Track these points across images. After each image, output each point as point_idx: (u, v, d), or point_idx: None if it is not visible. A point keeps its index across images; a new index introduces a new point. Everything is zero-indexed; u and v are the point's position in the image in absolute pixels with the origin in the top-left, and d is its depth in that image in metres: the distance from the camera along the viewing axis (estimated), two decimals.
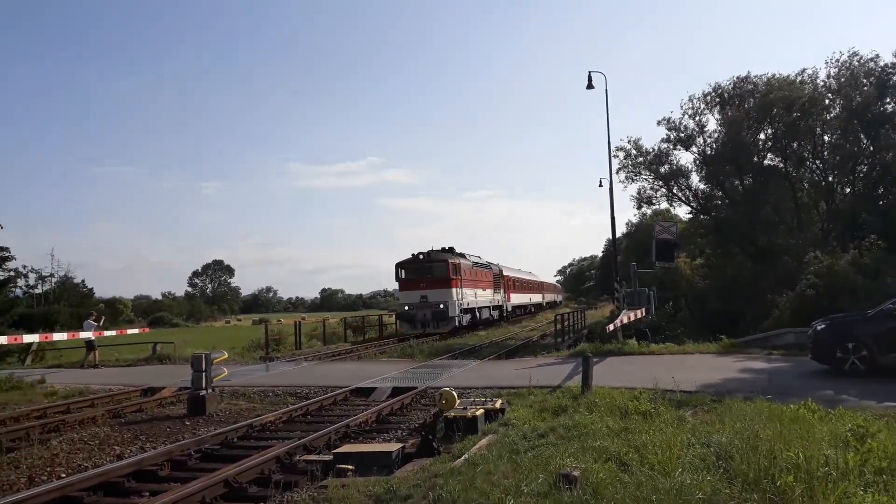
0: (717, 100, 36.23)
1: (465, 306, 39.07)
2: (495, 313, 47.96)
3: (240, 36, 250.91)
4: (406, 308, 37.02)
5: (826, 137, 33.93)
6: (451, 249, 40.43)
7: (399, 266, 38.32)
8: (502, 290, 50.85)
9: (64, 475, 8.65)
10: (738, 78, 35.95)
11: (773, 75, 35.06)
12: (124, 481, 8.17)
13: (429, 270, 37.44)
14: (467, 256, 42.39)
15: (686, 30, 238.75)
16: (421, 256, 37.95)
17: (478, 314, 42.37)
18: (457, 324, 37.22)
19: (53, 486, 7.63)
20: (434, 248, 39.34)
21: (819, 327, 15.10)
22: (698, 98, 36.60)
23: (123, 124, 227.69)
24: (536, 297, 70.32)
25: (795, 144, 34.62)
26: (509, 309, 53.14)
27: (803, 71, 34.69)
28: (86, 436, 10.94)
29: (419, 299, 36.66)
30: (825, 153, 34.27)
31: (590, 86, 28.77)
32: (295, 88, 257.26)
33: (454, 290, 37.11)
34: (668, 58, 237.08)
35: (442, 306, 35.94)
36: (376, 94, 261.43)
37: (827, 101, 33.12)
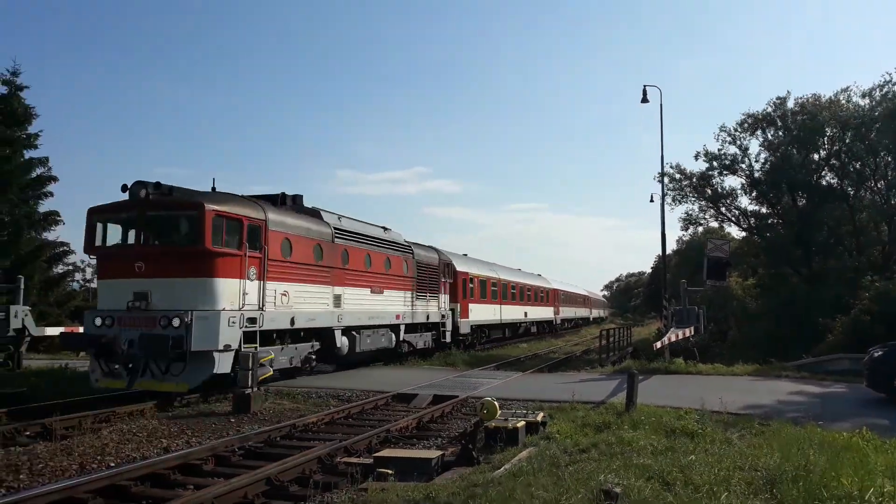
0: (758, 124, 35.43)
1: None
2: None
3: (294, 47, 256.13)
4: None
5: (889, 158, 32.83)
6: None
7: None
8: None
9: (113, 464, 8.90)
10: (777, 99, 35.24)
11: (818, 95, 34.16)
12: (170, 473, 8.35)
13: None
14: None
15: (749, 44, 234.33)
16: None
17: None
18: None
19: (103, 475, 7.87)
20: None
21: (876, 354, 14.58)
22: (734, 127, 35.97)
23: (176, 130, 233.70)
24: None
25: (858, 164, 33.58)
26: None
27: (847, 88, 33.67)
28: (135, 427, 11.21)
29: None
30: (889, 173, 33.16)
31: (644, 100, 28.45)
32: (347, 99, 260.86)
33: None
34: (726, 72, 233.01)
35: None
36: (425, 106, 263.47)
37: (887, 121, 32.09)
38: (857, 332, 21.00)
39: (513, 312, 38.64)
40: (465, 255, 34.34)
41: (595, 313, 79.22)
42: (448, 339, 26.92)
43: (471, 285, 30.89)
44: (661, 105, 28.75)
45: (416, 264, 24.23)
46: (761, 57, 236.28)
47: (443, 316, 26.59)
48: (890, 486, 6.21)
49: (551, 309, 49.64)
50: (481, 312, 32.53)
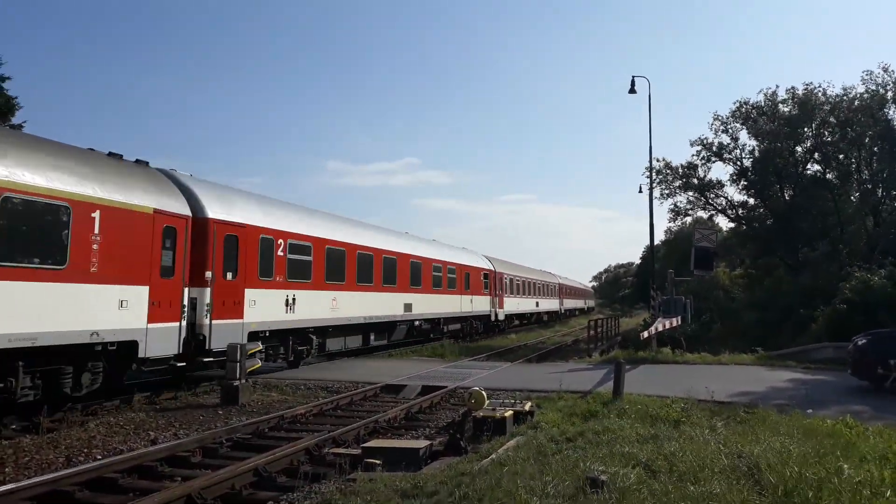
0: (749, 114, 35.67)
1: None
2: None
3: (283, 38, 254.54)
4: None
5: (875, 149, 33.14)
6: None
7: None
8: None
9: (100, 457, 8.87)
10: (768, 90, 35.64)
11: (810, 86, 34.40)
12: (158, 465, 8.34)
13: None
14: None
15: (737, 34, 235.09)
16: None
17: None
18: None
19: (90, 467, 7.84)
20: None
21: (860, 342, 14.75)
22: (727, 116, 36.29)
23: (163, 121, 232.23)
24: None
25: (842, 156, 33.90)
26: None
27: (831, 84, 34.24)
28: (122, 420, 11.19)
29: None
30: (874, 164, 33.46)
31: (632, 90, 28.53)
32: (337, 90, 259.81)
33: None
34: (713, 64, 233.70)
35: None
36: (416, 98, 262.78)
37: (867, 115, 32.42)
38: (841, 320, 21.23)
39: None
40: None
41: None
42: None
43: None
44: (649, 96, 28.88)
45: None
46: (758, 46, 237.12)
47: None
48: (869, 470, 6.30)
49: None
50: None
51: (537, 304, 48.84)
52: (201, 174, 17.79)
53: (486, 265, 37.03)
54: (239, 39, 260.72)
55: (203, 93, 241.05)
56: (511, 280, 41.99)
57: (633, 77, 28.18)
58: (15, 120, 29.85)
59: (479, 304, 34.78)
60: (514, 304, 42.08)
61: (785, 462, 6.60)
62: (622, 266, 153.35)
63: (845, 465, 6.42)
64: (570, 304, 64.45)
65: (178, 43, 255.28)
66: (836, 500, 5.50)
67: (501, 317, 38.42)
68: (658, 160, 36.82)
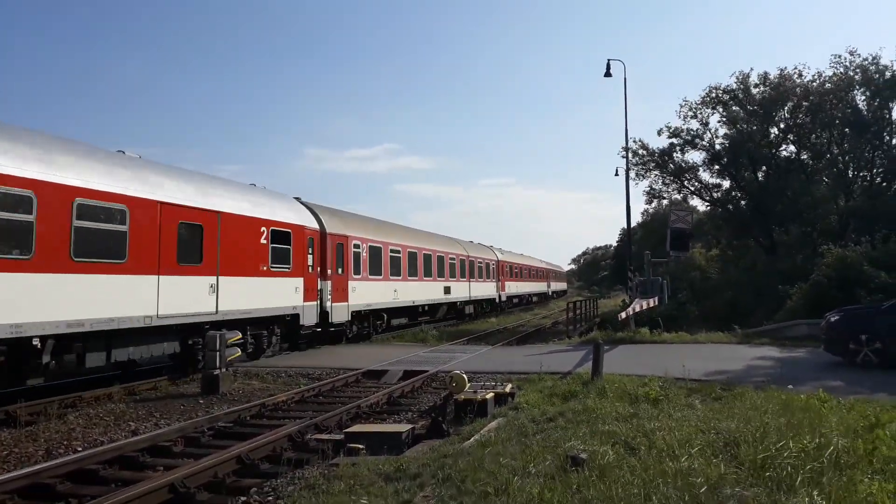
0: (720, 99, 35.84)
1: None
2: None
3: (257, 24, 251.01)
4: None
5: (846, 130, 33.61)
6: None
7: None
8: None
9: (80, 449, 8.81)
10: (741, 74, 35.66)
11: (783, 70, 34.70)
12: (139, 456, 8.32)
13: None
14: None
15: (715, 20, 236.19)
16: None
17: None
18: None
19: (70, 459, 7.80)
20: None
21: (833, 319, 15.03)
22: (697, 103, 36.28)
23: (143, 109, 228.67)
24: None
25: (813, 136, 34.34)
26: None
27: (805, 65, 34.64)
28: (102, 412, 11.11)
29: None
30: (844, 145, 33.96)
31: (608, 73, 28.72)
32: (315, 76, 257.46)
33: None
34: (693, 44, 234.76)
35: None
36: (394, 83, 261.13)
37: (837, 98, 32.85)
38: (816, 297, 21.55)
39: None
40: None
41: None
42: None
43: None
44: (624, 79, 29.26)
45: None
46: (734, 30, 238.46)
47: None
48: (842, 442, 6.46)
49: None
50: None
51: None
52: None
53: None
54: (213, 24, 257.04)
55: (178, 79, 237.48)
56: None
57: (609, 60, 28.34)
58: None
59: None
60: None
61: (762, 437, 6.74)
62: (600, 248, 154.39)
63: (829, 436, 6.58)
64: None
65: (151, 28, 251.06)
66: (812, 472, 5.63)
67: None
68: (634, 140, 36.95)
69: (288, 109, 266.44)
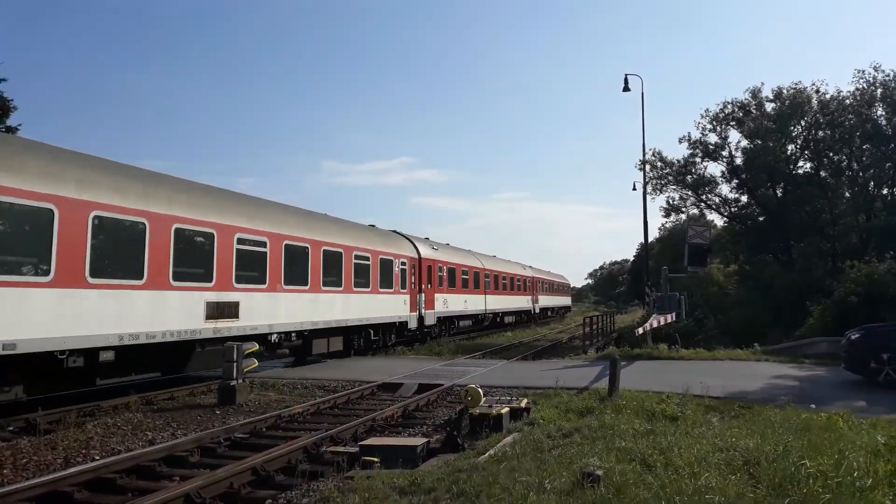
0: (734, 115, 35.67)
1: None
2: None
3: (278, 38, 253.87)
4: None
5: (865, 147, 33.29)
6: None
7: None
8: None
9: (98, 457, 8.87)
10: (755, 89, 35.47)
11: (798, 84, 34.46)
12: (156, 465, 8.36)
13: None
14: None
15: (736, 36, 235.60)
16: None
17: None
18: None
19: (88, 468, 7.86)
20: None
21: (853, 337, 14.84)
22: (714, 115, 36.13)
23: (159, 122, 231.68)
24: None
25: (831, 153, 34.03)
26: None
27: (824, 82, 34.28)
28: (119, 421, 11.18)
29: None
30: (865, 161, 33.62)
31: (626, 88, 28.68)
32: (333, 89, 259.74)
33: None
34: (711, 61, 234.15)
35: None
36: (410, 96, 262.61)
37: (857, 113, 32.51)
38: (843, 314, 21.05)
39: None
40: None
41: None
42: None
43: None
44: (642, 94, 28.95)
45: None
46: (752, 45, 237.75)
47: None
48: (863, 463, 6.36)
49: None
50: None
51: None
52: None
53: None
54: (232, 39, 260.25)
55: (195, 91, 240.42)
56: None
57: (627, 75, 28.32)
58: (10, 122, 29.67)
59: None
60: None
61: (782, 456, 6.65)
62: (617, 263, 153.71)
63: (850, 457, 6.49)
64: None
65: (169, 40, 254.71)
66: (832, 492, 5.55)
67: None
68: (653, 153, 36.89)
69: (305, 123, 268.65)
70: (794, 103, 33.49)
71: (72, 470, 7.79)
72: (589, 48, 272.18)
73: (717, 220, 44.86)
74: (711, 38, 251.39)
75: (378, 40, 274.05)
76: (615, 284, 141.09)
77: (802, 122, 33.89)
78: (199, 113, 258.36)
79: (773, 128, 33.94)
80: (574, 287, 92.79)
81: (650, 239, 39.21)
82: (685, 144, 36.91)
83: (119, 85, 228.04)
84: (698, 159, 36.86)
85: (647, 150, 32.41)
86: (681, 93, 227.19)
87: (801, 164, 35.71)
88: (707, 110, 36.97)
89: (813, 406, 10.68)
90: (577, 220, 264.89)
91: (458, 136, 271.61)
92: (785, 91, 34.29)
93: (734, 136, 36.36)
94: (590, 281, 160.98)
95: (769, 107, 34.87)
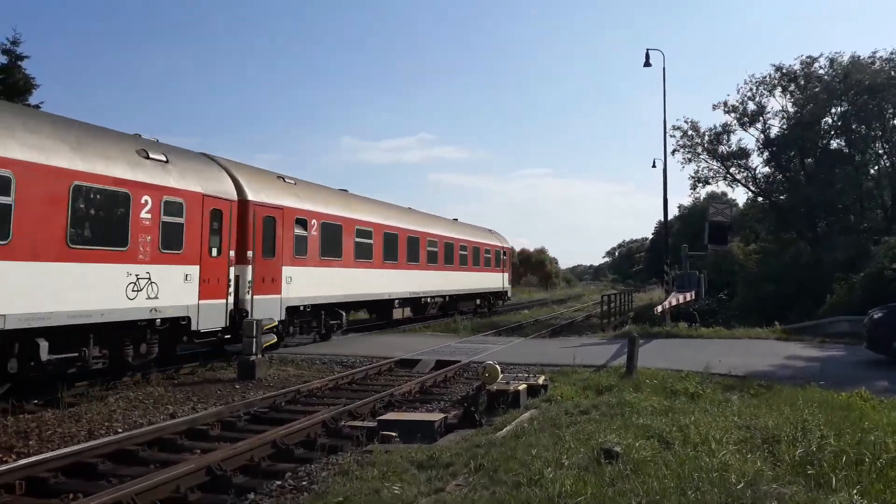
0: (783, 81, 35.05)
1: None
2: None
3: (296, 14, 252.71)
4: None
5: (894, 122, 32.62)
6: None
7: None
8: None
9: (121, 430, 9.01)
10: (807, 58, 34.76)
11: (854, 55, 33.72)
12: (177, 438, 8.48)
13: None
14: None
15: (748, 11, 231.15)
16: None
17: None
18: None
19: (111, 440, 7.99)
20: None
21: (876, 316, 14.64)
22: (758, 80, 35.58)
23: (179, 98, 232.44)
24: None
25: (863, 128, 33.34)
26: None
27: (874, 53, 33.41)
28: (141, 395, 11.34)
29: None
30: (894, 139, 32.98)
31: (647, 63, 28.26)
32: (352, 67, 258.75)
33: None
34: (731, 38, 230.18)
35: None
36: (429, 73, 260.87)
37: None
38: (875, 288, 20.45)
39: None
40: None
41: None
42: None
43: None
44: (663, 69, 28.51)
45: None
46: (772, 23, 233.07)
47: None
48: (883, 441, 6.30)
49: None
50: None
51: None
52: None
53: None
54: (253, 20, 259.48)
55: (217, 71, 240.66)
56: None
57: (648, 50, 27.92)
58: (32, 100, 29.86)
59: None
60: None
61: (802, 434, 6.61)
62: (635, 241, 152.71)
63: (872, 437, 6.42)
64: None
65: (192, 21, 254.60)
66: (852, 470, 5.50)
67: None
68: (685, 120, 36.51)
69: (327, 100, 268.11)
70: (846, 72, 32.78)
71: (95, 442, 7.93)
72: (613, 23, 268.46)
73: (740, 198, 44.38)
74: (735, 16, 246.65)
75: (397, 15, 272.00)
76: (633, 262, 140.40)
77: (850, 93, 33.07)
78: (219, 92, 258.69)
79: (819, 97, 33.27)
80: (591, 265, 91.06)
81: (670, 216, 38.81)
82: (720, 111, 36.51)
83: (142, 64, 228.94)
84: (735, 126, 36.47)
85: (675, 118, 32.05)
86: (705, 71, 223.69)
87: (832, 137, 35.16)
88: (752, 75, 36.43)
89: (821, 384, 10.54)
90: (597, 197, 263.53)
91: (478, 112, 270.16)
92: (841, 60, 33.73)
93: (774, 104, 35.83)
94: (608, 259, 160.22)
95: (810, 78, 34.29)
